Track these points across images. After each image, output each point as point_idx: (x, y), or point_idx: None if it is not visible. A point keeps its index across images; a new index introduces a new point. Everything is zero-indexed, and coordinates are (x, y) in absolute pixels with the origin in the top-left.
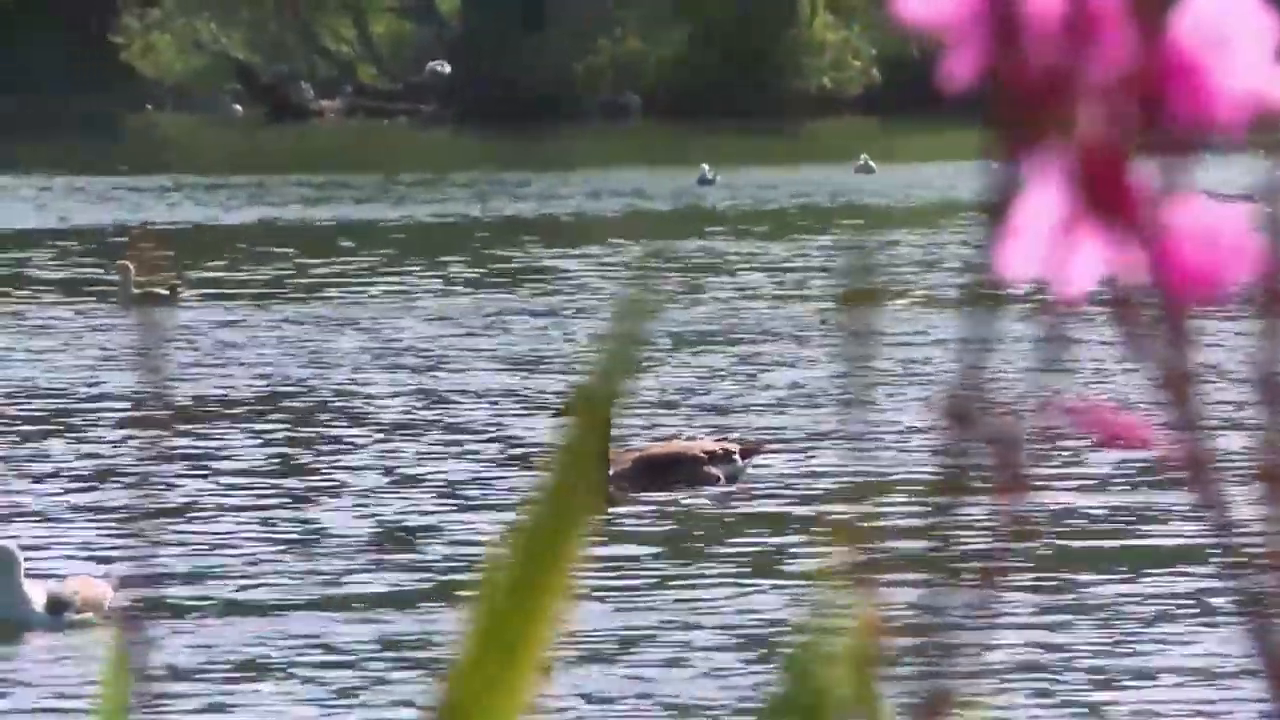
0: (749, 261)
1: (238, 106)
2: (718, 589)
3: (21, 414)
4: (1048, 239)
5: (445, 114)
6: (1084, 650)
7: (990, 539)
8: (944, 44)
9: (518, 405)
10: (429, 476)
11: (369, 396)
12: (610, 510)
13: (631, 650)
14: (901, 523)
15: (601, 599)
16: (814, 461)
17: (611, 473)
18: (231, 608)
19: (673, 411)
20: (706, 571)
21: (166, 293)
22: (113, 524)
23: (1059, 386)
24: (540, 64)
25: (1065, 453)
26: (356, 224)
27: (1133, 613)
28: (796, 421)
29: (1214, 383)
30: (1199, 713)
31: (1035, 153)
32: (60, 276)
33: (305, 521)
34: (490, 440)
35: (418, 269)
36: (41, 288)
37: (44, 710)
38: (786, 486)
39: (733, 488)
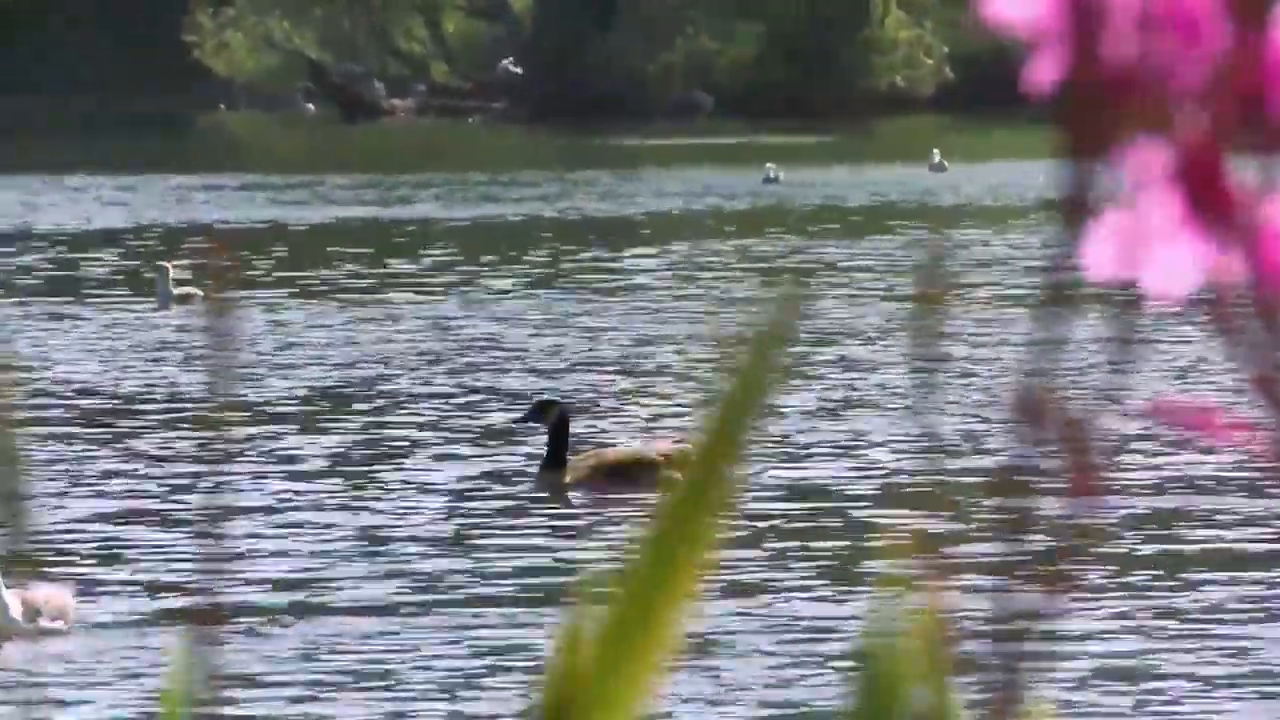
0: (811, 261)
1: (310, 105)
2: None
3: (76, 413)
4: (1140, 238)
5: (516, 113)
6: (1161, 655)
7: (1062, 541)
8: (1027, 43)
9: (602, 405)
10: (494, 476)
11: (438, 396)
12: (569, 513)
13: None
14: (972, 524)
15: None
16: (874, 464)
17: (568, 478)
18: (300, 610)
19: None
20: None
21: (202, 293)
22: (164, 526)
23: (1139, 386)
24: (611, 63)
25: (1143, 454)
26: (427, 223)
27: (1214, 617)
28: (854, 425)
29: None
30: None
31: (1123, 151)
32: (126, 276)
33: (375, 523)
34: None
35: (487, 268)
36: (108, 287)
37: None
38: (839, 491)
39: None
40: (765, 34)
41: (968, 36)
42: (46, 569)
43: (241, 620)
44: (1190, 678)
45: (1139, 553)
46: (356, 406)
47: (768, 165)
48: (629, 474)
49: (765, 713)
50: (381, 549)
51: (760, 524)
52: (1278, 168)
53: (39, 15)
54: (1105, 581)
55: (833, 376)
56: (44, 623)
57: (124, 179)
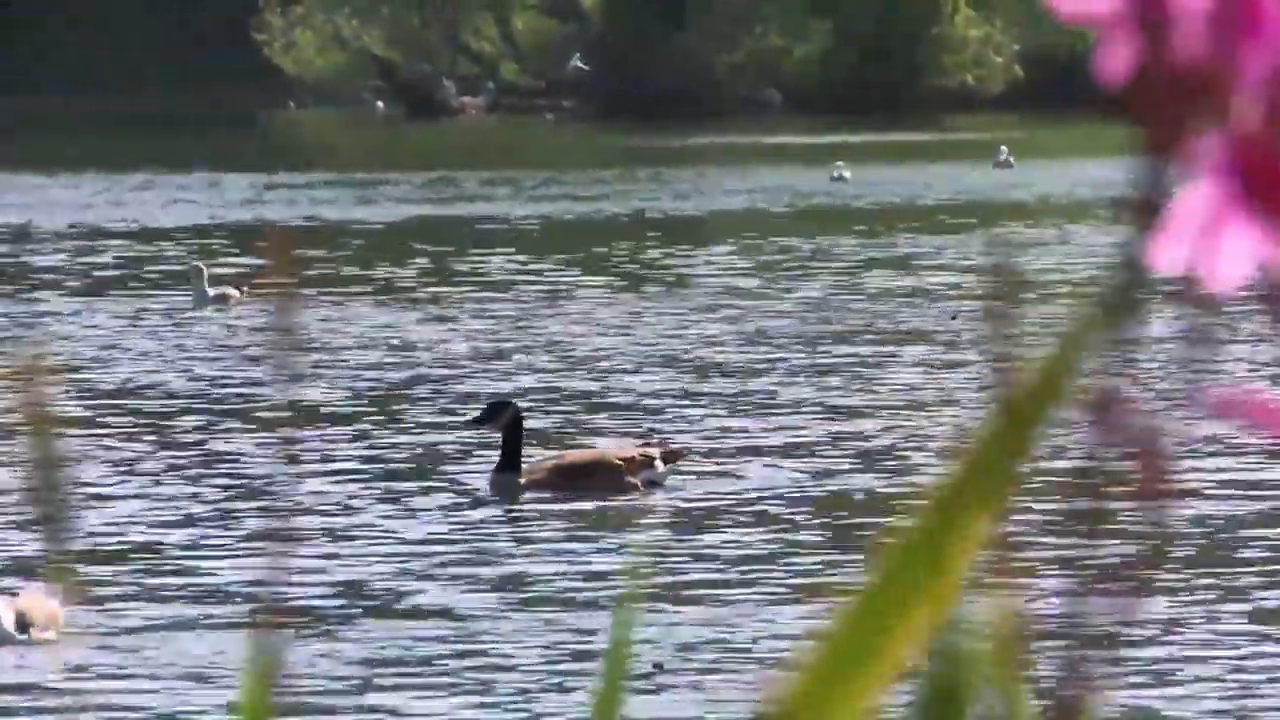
0: (875, 259)
1: (379, 104)
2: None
3: (111, 412)
4: (1201, 232)
5: (586, 111)
6: (1231, 657)
7: (1135, 542)
8: (1095, 38)
9: (659, 403)
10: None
11: (506, 394)
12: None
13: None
14: (1043, 524)
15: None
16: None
17: (525, 480)
18: (367, 611)
19: (794, 411)
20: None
21: (238, 293)
22: (217, 527)
23: (1206, 382)
24: (681, 60)
25: (1213, 454)
26: (495, 221)
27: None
28: (920, 425)
29: None
30: None
31: (1189, 146)
32: (175, 274)
33: (441, 523)
34: (623, 437)
35: (556, 267)
36: (155, 286)
37: None
38: (905, 494)
39: (659, 493)
40: (835, 31)
41: (1037, 34)
42: (90, 571)
43: (304, 623)
44: (1269, 679)
45: (1212, 554)
46: (420, 406)
47: (835, 164)
48: (588, 477)
49: None
50: (444, 550)
51: (835, 527)
52: None
53: (105, 12)
54: (1177, 583)
55: (901, 376)
56: (35, 633)
57: (191, 177)
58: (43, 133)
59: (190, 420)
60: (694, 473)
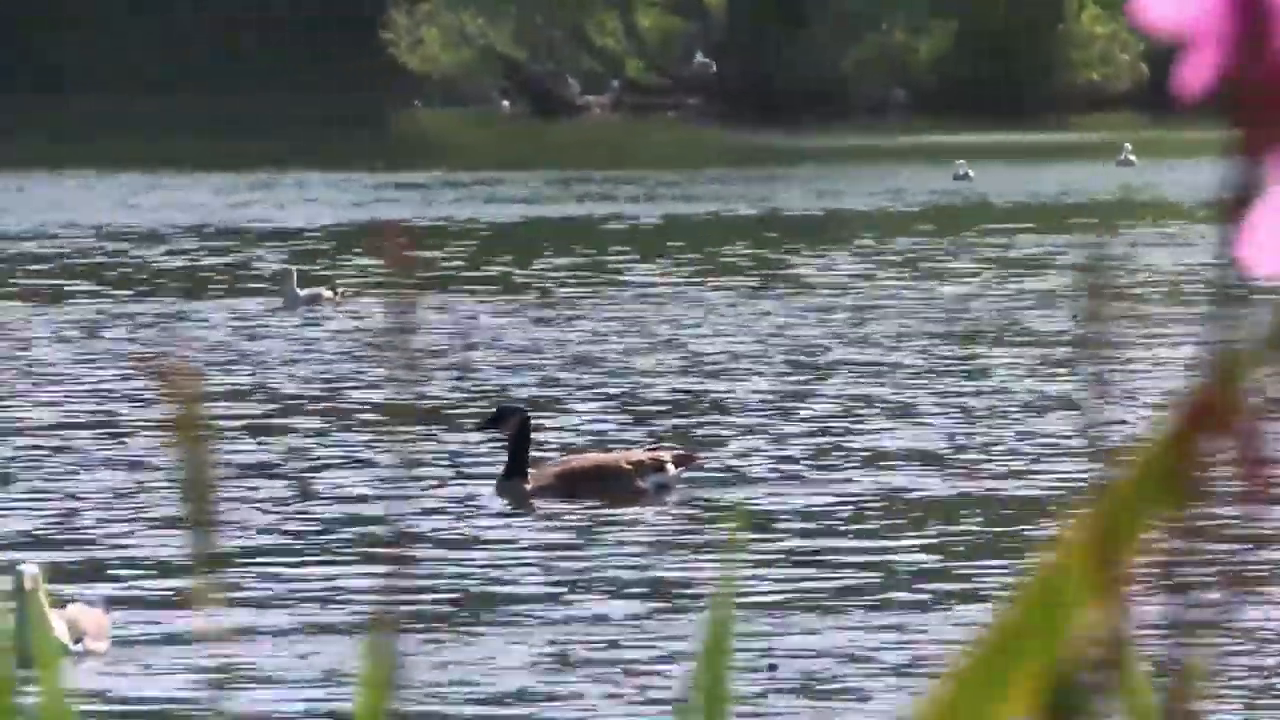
0: (997, 258)
1: (505, 102)
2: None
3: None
4: None
5: (711, 109)
6: None
7: (1236, 546)
8: (1181, 45)
9: (791, 405)
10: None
11: (626, 396)
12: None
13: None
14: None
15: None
16: (1049, 470)
17: (531, 486)
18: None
19: (909, 415)
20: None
21: (331, 294)
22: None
23: None
24: (806, 59)
25: None
26: (618, 220)
27: None
28: (1040, 427)
29: None
30: None
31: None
32: (321, 273)
33: (553, 523)
34: (751, 434)
35: (678, 266)
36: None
37: None
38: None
39: (673, 498)
40: (960, 30)
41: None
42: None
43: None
44: None
45: None
46: (544, 405)
47: (958, 162)
48: (595, 482)
49: None
50: (561, 548)
51: (939, 529)
52: None
53: (233, 11)
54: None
55: (1020, 376)
56: (87, 642)
57: (317, 175)
58: (178, 132)
59: (266, 422)
60: (798, 476)
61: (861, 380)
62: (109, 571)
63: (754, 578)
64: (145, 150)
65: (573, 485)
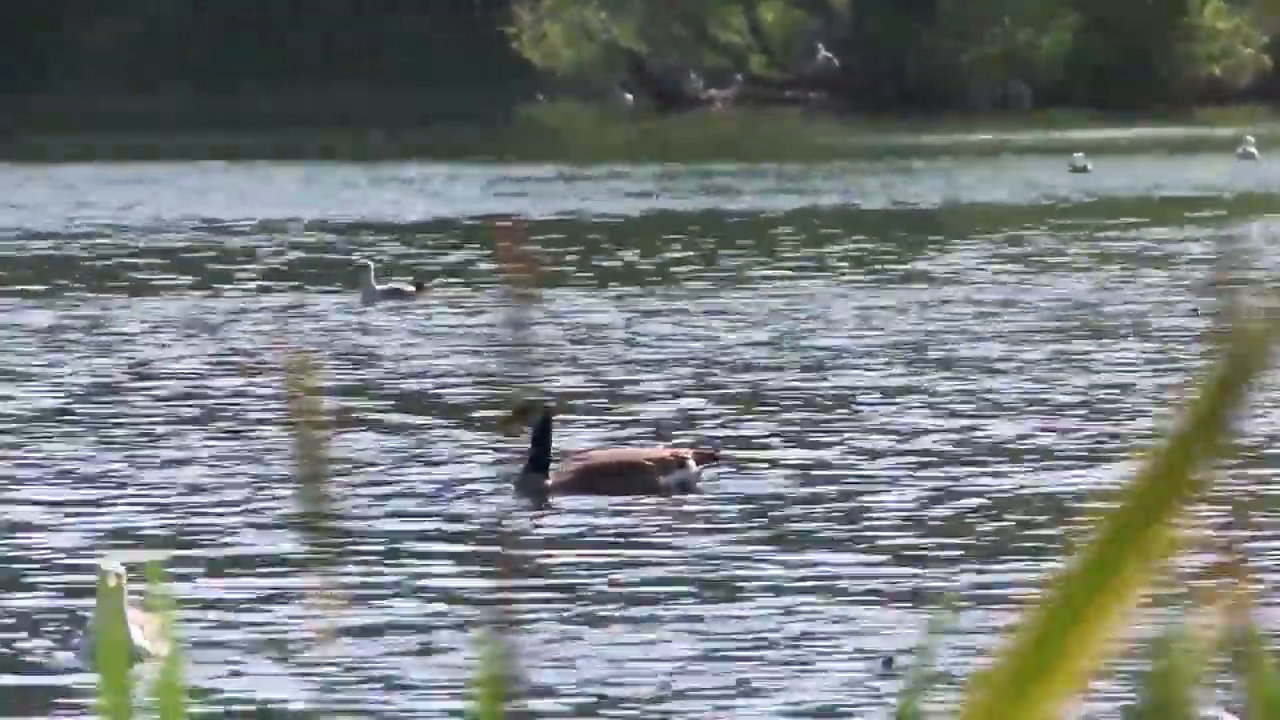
0: (1115, 252)
1: (628, 96)
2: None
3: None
4: None
5: (834, 104)
6: None
7: None
8: None
9: (916, 402)
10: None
11: (762, 391)
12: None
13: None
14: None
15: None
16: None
17: (552, 482)
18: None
19: (1040, 409)
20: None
21: (411, 289)
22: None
23: None
24: (929, 54)
25: None
26: (740, 215)
27: None
28: (1133, 426)
29: None
30: None
31: None
32: (438, 266)
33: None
34: (879, 432)
35: (798, 259)
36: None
37: None
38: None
39: (689, 495)
40: (1082, 24)
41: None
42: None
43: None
44: None
45: None
46: (653, 402)
47: (1075, 155)
48: (616, 478)
49: None
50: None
51: (1053, 530)
52: None
53: (358, 6)
54: None
55: (1136, 371)
56: (150, 647)
57: (440, 168)
58: (302, 127)
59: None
60: (924, 470)
61: (982, 374)
62: (222, 569)
63: (873, 573)
64: (273, 141)
65: (594, 481)
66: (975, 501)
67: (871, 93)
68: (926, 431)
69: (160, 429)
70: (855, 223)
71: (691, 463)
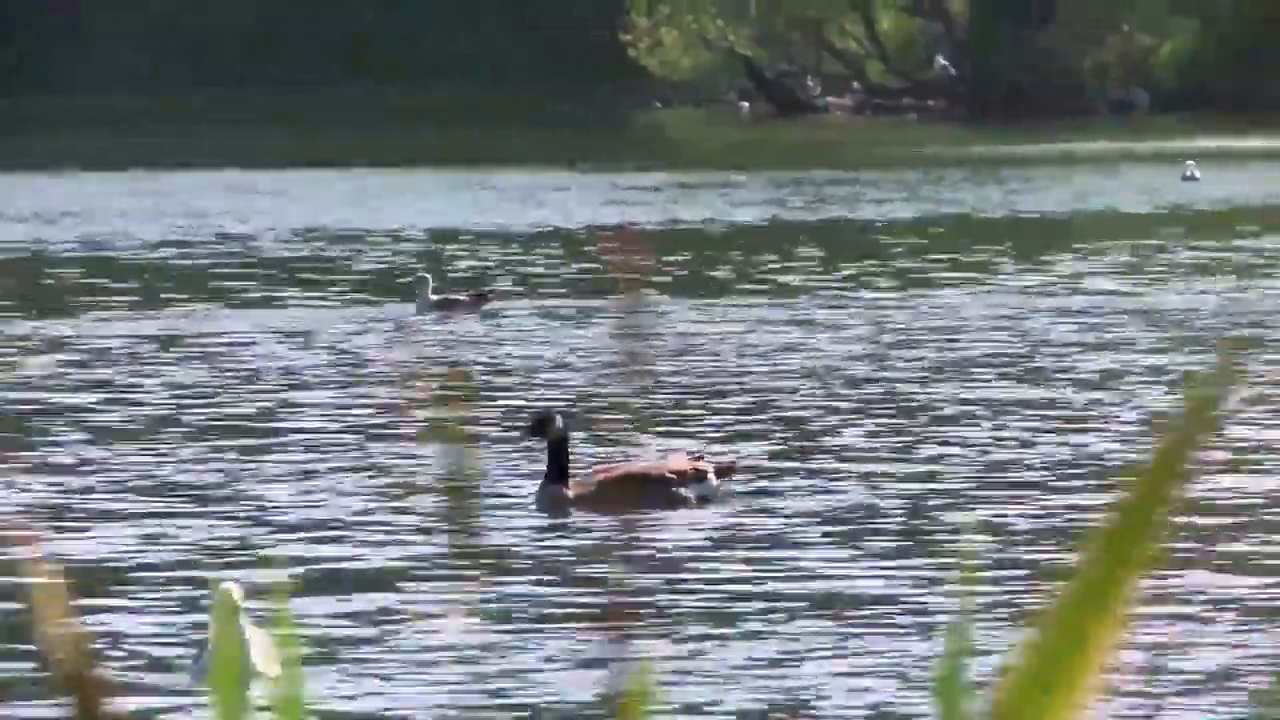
0: (1221, 262)
1: (745, 104)
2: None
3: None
4: None
5: (953, 111)
6: None
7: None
8: None
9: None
10: (911, 474)
11: (850, 401)
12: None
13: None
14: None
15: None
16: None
17: (573, 494)
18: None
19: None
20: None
21: (467, 299)
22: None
23: None
24: (1047, 61)
25: None
26: (857, 222)
27: None
28: (1250, 433)
29: None
30: None
31: None
32: (543, 273)
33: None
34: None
35: (915, 266)
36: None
37: None
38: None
39: (710, 508)
40: (1202, 30)
41: None
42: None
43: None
44: None
45: None
46: (770, 411)
47: (1186, 163)
48: (637, 490)
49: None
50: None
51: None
52: None
53: (478, 8)
54: None
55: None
56: (263, 665)
57: (548, 177)
58: (421, 128)
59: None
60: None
61: (1096, 385)
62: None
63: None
64: (399, 145)
65: (614, 493)
66: (1078, 518)
67: (989, 100)
68: (1032, 445)
69: (272, 441)
70: (969, 231)
71: (712, 475)
